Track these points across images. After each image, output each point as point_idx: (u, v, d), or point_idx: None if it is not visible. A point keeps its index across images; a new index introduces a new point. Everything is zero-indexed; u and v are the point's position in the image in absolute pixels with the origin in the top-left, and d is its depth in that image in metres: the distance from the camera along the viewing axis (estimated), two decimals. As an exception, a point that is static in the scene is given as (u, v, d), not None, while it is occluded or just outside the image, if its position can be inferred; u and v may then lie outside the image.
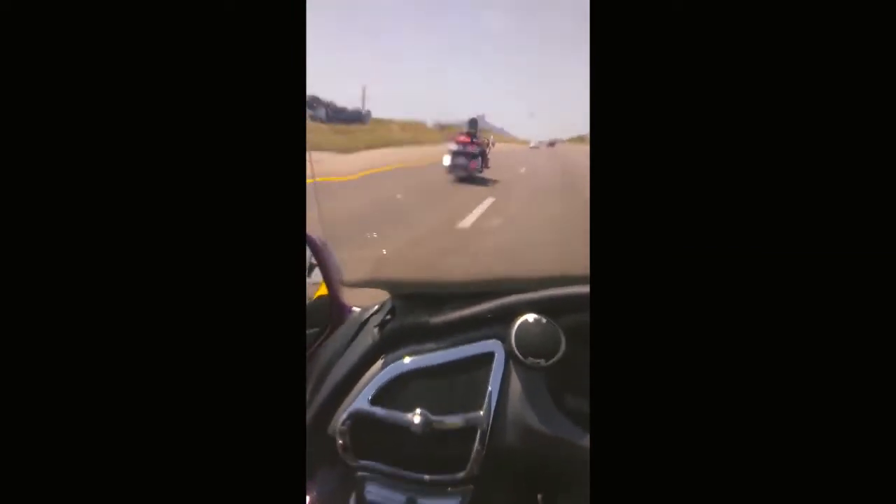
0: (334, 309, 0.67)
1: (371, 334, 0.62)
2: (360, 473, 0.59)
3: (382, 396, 0.58)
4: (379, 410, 0.57)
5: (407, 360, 0.59)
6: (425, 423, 0.55)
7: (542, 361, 0.56)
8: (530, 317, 0.57)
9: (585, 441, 0.53)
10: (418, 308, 0.62)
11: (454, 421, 0.56)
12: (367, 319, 0.66)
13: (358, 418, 0.58)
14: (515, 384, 0.57)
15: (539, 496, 0.60)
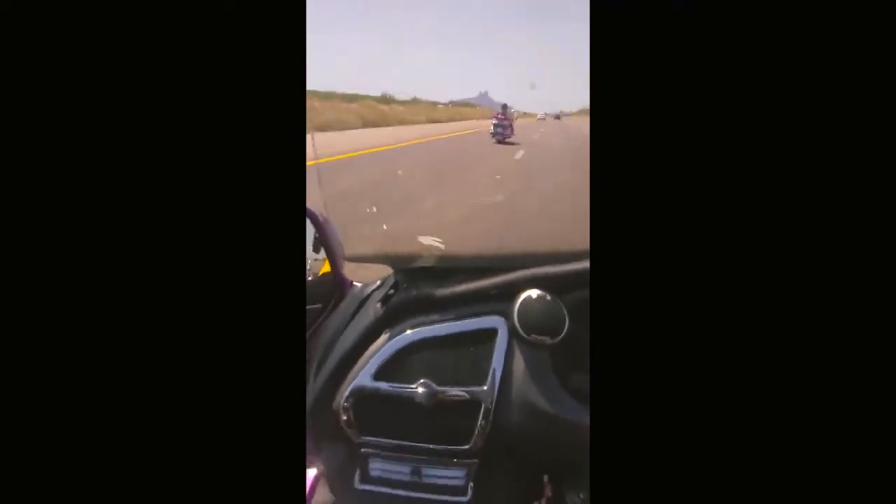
0: (337, 284, 0.68)
1: (374, 309, 0.62)
2: (363, 450, 0.59)
3: (386, 371, 0.58)
4: (383, 385, 0.58)
5: (409, 332, 0.59)
6: (430, 393, 0.55)
7: (547, 339, 0.55)
8: (533, 293, 0.56)
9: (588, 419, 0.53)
10: (422, 281, 0.62)
11: (458, 393, 0.56)
12: (370, 294, 0.66)
13: (361, 394, 0.58)
14: (519, 362, 0.56)
15: (545, 477, 0.60)
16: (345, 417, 0.58)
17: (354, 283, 0.70)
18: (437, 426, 0.57)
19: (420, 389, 0.56)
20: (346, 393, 0.58)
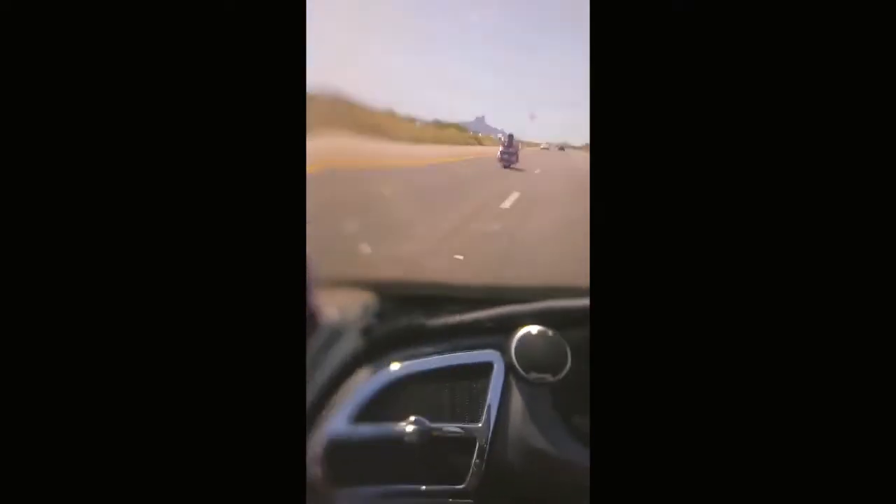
0: (310, 313, 0.61)
1: (353, 341, 0.57)
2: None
3: (370, 410, 0.53)
4: (363, 428, 0.52)
5: (395, 365, 0.55)
6: (422, 430, 0.51)
7: (548, 377, 0.53)
8: (533, 328, 0.55)
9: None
10: (409, 311, 0.59)
11: (452, 429, 0.53)
12: (348, 325, 0.60)
13: (336, 443, 0.52)
14: (517, 399, 0.54)
15: None
16: (318, 469, 0.51)
17: (329, 310, 0.63)
18: (428, 466, 0.53)
19: (410, 428, 0.51)
20: (323, 441, 0.52)
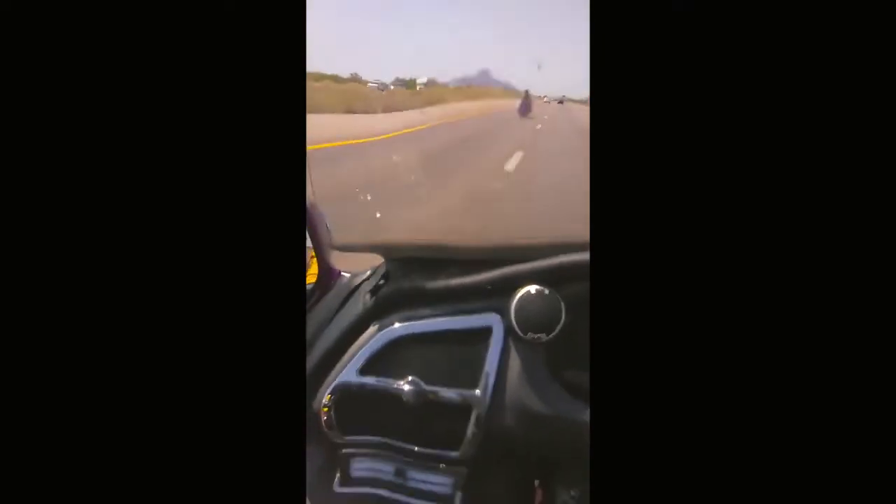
0: (322, 274, 0.64)
1: (362, 301, 0.59)
2: (345, 450, 0.57)
3: (373, 365, 0.55)
4: (369, 380, 0.55)
5: (397, 325, 0.56)
6: (417, 392, 0.53)
7: (542, 336, 0.52)
8: (532, 288, 0.53)
9: (586, 416, 0.50)
10: (414, 272, 0.59)
11: (449, 395, 0.53)
12: (359, 285, 0.62)
13: (346, 392, 0.55)
14: (515, 362, 0.53)
15: (536, 482, 0.58)
16: (325, 418, 0.56)
17: (343, 272, 0.66)
18: (424, 427, 0.55)
19: (407, 387, 0.53)
20: (329, 391, 0.55)
